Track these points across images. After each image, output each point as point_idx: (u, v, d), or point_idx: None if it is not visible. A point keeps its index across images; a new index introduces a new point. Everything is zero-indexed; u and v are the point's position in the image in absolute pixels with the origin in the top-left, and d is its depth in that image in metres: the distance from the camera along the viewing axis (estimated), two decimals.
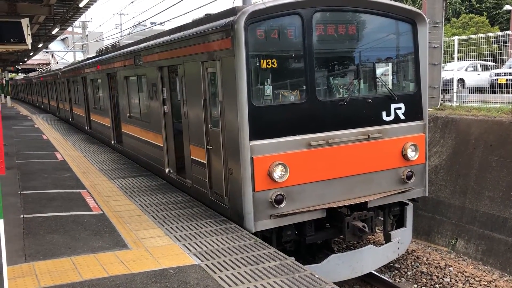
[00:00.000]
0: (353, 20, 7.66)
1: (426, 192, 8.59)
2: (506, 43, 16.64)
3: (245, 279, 5.35)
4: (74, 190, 9.73)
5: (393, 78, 8.31)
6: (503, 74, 17.42)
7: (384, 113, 7.92)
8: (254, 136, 6.87)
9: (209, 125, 7.94)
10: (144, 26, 26.68)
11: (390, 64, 8.22)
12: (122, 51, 12.90)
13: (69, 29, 45.45)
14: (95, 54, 17.74)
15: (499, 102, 13.69)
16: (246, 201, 6.93)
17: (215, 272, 5.55)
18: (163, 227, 7.32)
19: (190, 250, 6.30)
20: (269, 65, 7.00)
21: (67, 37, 60.25)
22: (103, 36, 46.12)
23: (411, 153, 8.09)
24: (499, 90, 15.16)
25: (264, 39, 6.98)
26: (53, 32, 22.12)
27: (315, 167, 7.29)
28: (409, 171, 8.16)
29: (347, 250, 9.33)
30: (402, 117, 8.09)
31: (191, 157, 8.75)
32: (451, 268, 9.48)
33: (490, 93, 15.62)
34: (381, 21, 7.92)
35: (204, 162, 8.14)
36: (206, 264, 5.80)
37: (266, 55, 6.96)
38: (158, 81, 10.01)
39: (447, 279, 9.08)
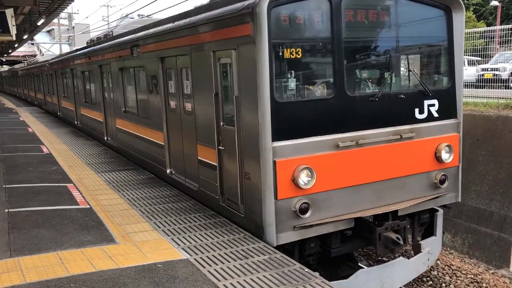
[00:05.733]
0: (385, 6, 6.80)
1: (459, 198, 7.80)
2: (492, 39, 16.52)
3: (234, 273, 5.31)
4: (60, 184, 9.43)
5: (426, 71, 7.48)
6: (489, 69, 17.51)
7: (417, 110, 7.10)
8: (276, 136, 5.99)
9: (221, 123, 7.03)
10: (131, 18, 25.88)
11: (423, 55, 7.38)
12: (116, 40, 11.91)
13: (55, 20, 44.09)
14: (85, 45, 16.65)
15: (486, 97, 13.85)
16: (267, 211, 6.06)
17: (204, 267, 5.50)
18: (151, 221, 7.17)
19: (179, 245, 6.20)
20: (293, 55, 6.11)
21: (53, 28, 58.76)
22: (90, 28, 44.88)
23: (445, 155, 7.28)
24: (486, 85, 15.50)
25: (288, 25, 6.09)
26: (39, 24, 21.62)
27: (344, 172, 6.44)
28: (443, 175, 7.36)
29: (369, 261, 8.53)
30: (435, 114, 7.27)
31: (198, 157, 7.85)
32: (438, 261, 9.22)
33: (477, 88, 15.84)
34: (414, 8, 7.06)
35: (215, 164, 7.24)
36: (195, 259, 5.73)
37: (290, 43, 6.08)
38: (159, 73, 9.06)
39: (435, 272, 8.84)
